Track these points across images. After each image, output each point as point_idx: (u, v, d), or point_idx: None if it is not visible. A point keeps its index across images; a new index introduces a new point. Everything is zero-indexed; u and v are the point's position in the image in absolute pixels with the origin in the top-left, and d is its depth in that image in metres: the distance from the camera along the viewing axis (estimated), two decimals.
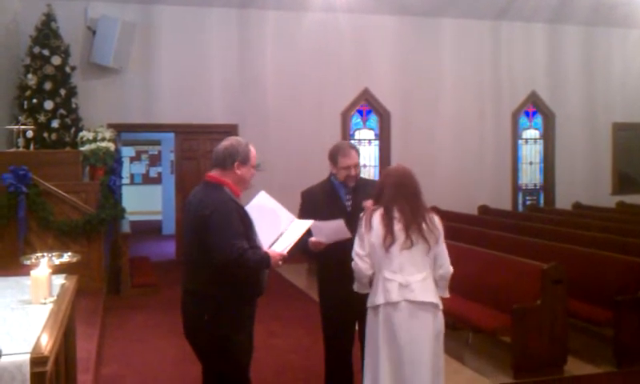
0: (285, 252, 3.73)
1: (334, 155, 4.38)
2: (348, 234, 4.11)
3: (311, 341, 6.62)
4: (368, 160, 12.74)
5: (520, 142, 13.65)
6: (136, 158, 20.71)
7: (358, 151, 4.46)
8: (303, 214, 4.38)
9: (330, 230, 4.15)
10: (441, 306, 3.88)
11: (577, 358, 6.07)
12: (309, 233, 4.11)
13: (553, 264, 5.79)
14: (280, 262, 3.69)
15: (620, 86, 13.95)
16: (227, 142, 3.78)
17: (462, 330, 6.70)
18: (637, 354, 6.00)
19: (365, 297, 4.05)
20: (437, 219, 3.96)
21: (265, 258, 3.61)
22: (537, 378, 5.64)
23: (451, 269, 3.96)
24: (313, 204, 4.39)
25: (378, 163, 12.76)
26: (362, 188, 4.41)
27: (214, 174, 3.72)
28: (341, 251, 4.26)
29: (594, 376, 5.83)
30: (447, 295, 3.98)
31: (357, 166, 4.36)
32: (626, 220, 10.28)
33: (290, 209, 4.11)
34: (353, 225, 4.23)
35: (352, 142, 10.88)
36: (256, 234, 3.71)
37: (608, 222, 9.98)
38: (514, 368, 5.67)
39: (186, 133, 11.95)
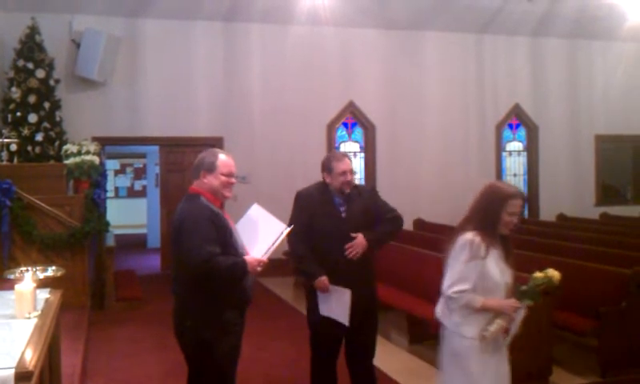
0: (264, 257, 3.72)
1: (328, 164, 4.39)
2: (346, 317, 4.24)
3: (297, 353, 6.60)
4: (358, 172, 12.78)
5: (504, 154, 13.76)
6: (121, 171, 20.62)
7: (349, 158, 4.48)
8: (297, 214, 4.38)
9: (334, 300, 4.22)
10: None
11: (562, 368, 6.11)
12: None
13: None
14: (259, 268, 3.69)
15: (602, 97, 14.10)
16: (202, 153, 3.84)
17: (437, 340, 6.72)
18: (621, 364, 6.05)
19: (354, 309, 4.11)
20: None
21: (239, 264, 3.61)
22: None
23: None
24: (308, 204, 4.38)
25: (363, 176, 12.80)
26: (356, 197, 4.41)
27: (193, 185, 3.79)
28: (330, 266, 4.27)
29: None
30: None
31: (352, 171, 4.38)
32: (609, 231, 10.37)
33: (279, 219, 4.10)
34: (346, 232, 4.25)
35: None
36: (237, 242, 3.71)
37: (592, 233, 10.06)
38: None
39: (171, 146, 11.93)
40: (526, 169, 13.92)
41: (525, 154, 13.93)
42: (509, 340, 3.75)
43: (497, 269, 3.60)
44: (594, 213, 13.31)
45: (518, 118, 13.77)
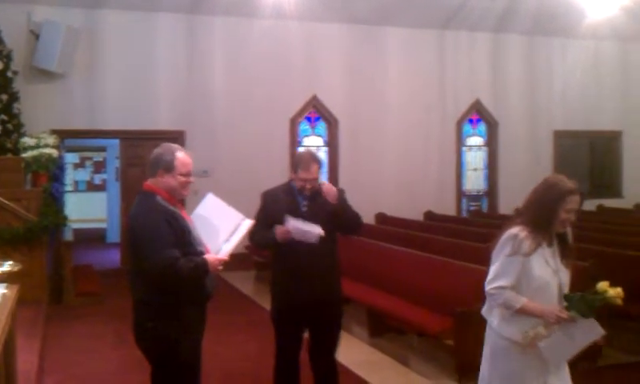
0: (225, 256, 3.71)
1: (296, 165, 4.43)
2: (316, 241, 4.20)
3: (259, 348, 6.62)
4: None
5: (464, 149, 13.93)
6: (80, 165, 20.31)
7: (320, 164, 4.48)
8: (260, 213, 4.43)
9: (303, 232, 4.20)
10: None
11: None
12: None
13: None
14: (220, 267, 3.68)
15: (561, 94, 14.38)
16: (158, 149, 3.74)
17: (407, 334, 6.81)
18: (583, 356, 6.17)
19: (317, 303, 4.12)
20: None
21: (201, 265, 3.58)
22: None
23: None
24: (273, 205, 4.40)
25: (326, 170, 12.83)
26: (319, 195, 4.43)
27: (148, 182, 3.70)
28: (293, 259, 4.28)
29: None
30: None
31: (314, 180, 4.40)
32: None
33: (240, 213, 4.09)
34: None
35: (308, 150, 10.99)
36: (196, 239, 3.69)
37: None
38: (457, 371, 5.78)
39: (131, 139, 11.80)
40: (485, 163, 14.12)
41: (485, 148, 14.13)
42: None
43: (546, 268, 3.39)
44: None
45: (478, 114, 13.96)
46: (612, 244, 7.87)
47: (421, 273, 6.89)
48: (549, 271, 3.39)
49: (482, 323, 5.75)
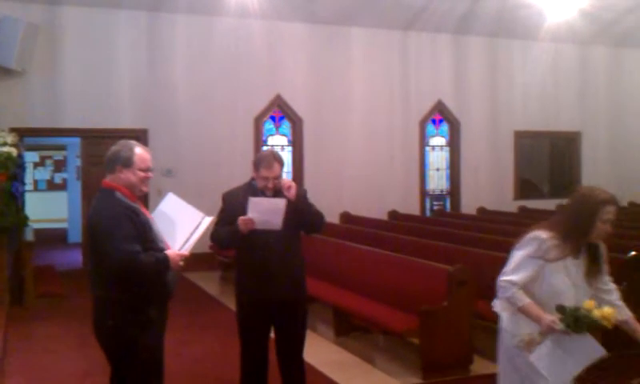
0: (186, 251, 3.70)
1: (258, 164, 4.39)
2: (280, 222, 4.17)
3: (223, 347, 6.59)
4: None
5: (427, 149, 14.06)
6: (40, 164, 19.94)
7: (281, 163, 4.45)
8: (222, 215, 4.40)
9: (266, 208, 4.18)
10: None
11: (482, 357, 6.28)
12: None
13: (458, 266, 6.02)
14: (181, 262, 3.66)
15: (522, 95, 14.59)
16: (115, 146, 3.72)
17: (372, 333, 6.85)
18: None
19: (283, 302, 4.11)
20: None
21: (162, 260, 3.57)
22: (444, 377, 5.83)
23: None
24: (233, 205, 4.37)
25: (291, 169, 12.82)
26: (281, 194, 4.43)
27: (107, 179, 3.68)
28: (258, 257, 4.27)
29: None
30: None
31: (277, 178, 4.38)
32: (526, 224, 10.67)
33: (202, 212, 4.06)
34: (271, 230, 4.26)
35: (270, 149, 10.98)
36: (157, 235, 3.67)
37: (510, 225, 10.43)
38: (422, 369, 5.83)
39: (92, 137, 11.61)
40: (448, 163, 14.27)
41: (447, 148, 14.27)
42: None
43: (564, 278, 3.39)
44: (512, 206, 13.80)
45: (440, 114, 14.09)
46: None
47: (385, 272, 6.94)
48: (566, 282, 3.38)
49: (446, 321, 5.86)
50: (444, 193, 14.28)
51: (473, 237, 8.81)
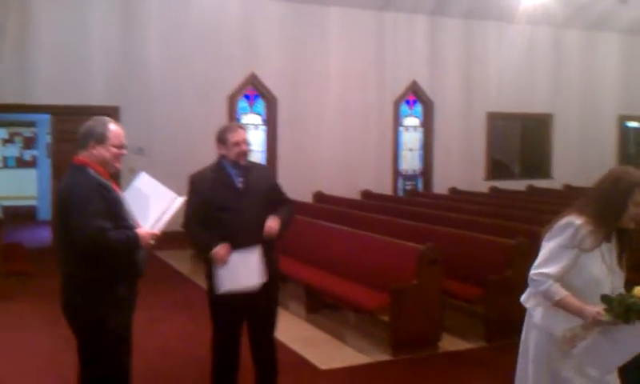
0: (157, 230, 3.68)
1: (222, 135, 4.34)
2: (257, 278, 4.20)
3: (195, 326, 6.59)
4: (255, 145, 12.72)
5: (401, 129, 14.09)
6: (9, 141, 19.56)
7: (245, 129, 4.45)
8: (192, 198, 4.31)
9: (238, 264, 4.18)
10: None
11: (451, 334, 6.39)
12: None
13: (429, 245, 6.07)
14: (152, 241, 3.65)
15: (495, 76, 14.67)
16: (89, 121, 3.68)
17: (343, 311, 6.90)
18: (505, 330, 6.39)
19: (262, 290, 4.13)
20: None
21: (132, 237, 3.55)
22: (413, 354, 5.90)
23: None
24: (202, 186, 4.33)
25: (265, 149, 12.78)
26: (253, 169, 4.41)
27: (79, 155, 3.64)
28: (229, 238, 4.23)
29: (467, 351, 6.18)
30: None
31: (246, 141, 4.35)
32: (497, 204, 10.91)
33: (175, 192, 4.04)
34: (245, 204, 4.23)
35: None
36: (129, 214, 3.64)
37: (481, 205, 10.55)
38: (392, 346, 5.90)
39: (63, 114, 11.42)
40: (421, 144, 14.33)
41: (421, 129, 14.33)
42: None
43: (601, 266, 3.15)
44: (483, 186, 13.93)
45: (414, 95, 14.13)
46: (541, 223, 8.12)
47: (357, 250, 6.98)
48: (604, 269, 3.15)
49: (416, 299, 5.92)
50: (417, 173, 14.36)
51: (444, 216, 8.88)
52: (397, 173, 14.00)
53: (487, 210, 9.65)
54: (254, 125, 12.73)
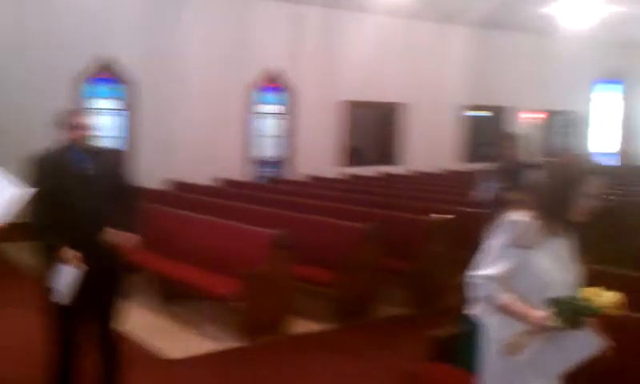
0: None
1: (65, 119, 4.18)
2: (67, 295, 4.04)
3: (34, 321, 6.27)
4: (114, 131, 12.26)
5: (261, 115, 14.12)
6: None
7: (84, 113, 4.33)
8: (36, 181, 4.08)
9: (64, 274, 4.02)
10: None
11: (304, 318, 6.54)
12: None
13: (281, 231, 6.18)
14: None
15: (354, 66, 15.03)
16: None
17: (198, 299, 6.87)
18: (355, 311, 6.66)
19: (99, 272, 4.01)
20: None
21: None
22: (266, 338, 6.00)
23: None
24: (47, 169, 4.13)
25: (127, 134, 12.33)
26: (102, 155, 4.28)
27: None
28: (74, 224, 4.08)
29: (319, 333, 6.37)
30: None
31: (86, 125, 4.20)
32: (355, 190, 11.26)
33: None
34: (93, 190, 4.11)
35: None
36: None
37: (340, 192, 10.85)
38: (244, 331, 5.96)
39: None
40: (282, 130, 14.44)
41: (282, 116, 14.44)
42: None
43: (551, 265, 2.83)
44: (342, 173, 14.29)
45: (275, 82, 14.18)
46: (394, 208, 8.50)
47: (212, 238, 6.99)
48: (557, 268, 2.84)
49: (267, 284, 6.01)
50: (278, 159, 14.48)
51: (303, 203, 9.05)
52: (256, 160, 14.02)
53: (346, 197, 9.93)
54: (114, 110, 12.26)
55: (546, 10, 14.52)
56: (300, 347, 6.02)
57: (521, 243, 2.79)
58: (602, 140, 20.35)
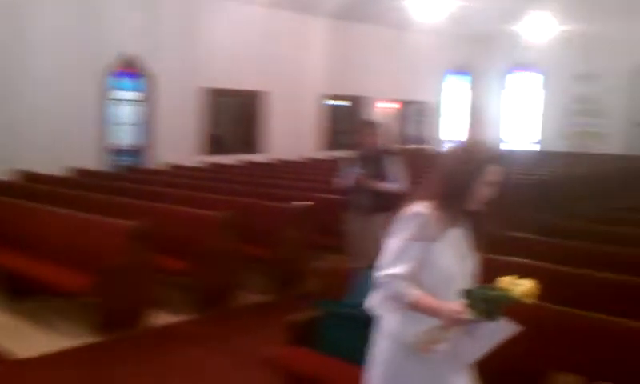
0: None
1: None
2: None
3: None
4: None
5: (117, 102, 13.65)
6: None
7: None
8: None
9: None
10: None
11: (164, 310, 6.41)
12: None
13: (138, 222, 6.02)
14: None
15: (215, 53, 14.87)
16: None
17: (51, 295, 6.55)
18: (215, 300, 6.63)
19: None
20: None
21: None
22: (124, 332, 5.84)
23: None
24: None
25: None
26: None
27: None
28: None
29: (179, 324, 6.28)
30: None
31: None
32: (216, 178, 11.17)
33: None
34: None
35: None
36: None
37: (200, 180, 10.72)
38: (101, 326, 5.76)
39: None
40: (140, 118, 14.03)
41: (140, 103, 14.03)
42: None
43: (452, 257, 2.76)
44: (202, 161, 14.13)
45: (133, 68, 13.74)
46: (255, 196, 8.53)
47: (65, 231, 6.67)
48: (457, 259, 2.78)
49: (124, 276, 5.83)
50: (135, 148, 14.05)
51: (161, 192, 8.86)
52: (112, 148, 13.52)
53: (206, 185, 9.83)
54: None
55: (401, 3, 15.13)
56: (159, 340, 5.91)
57: (423, 237, 2.70)
58: (452, 128, 21.58)
